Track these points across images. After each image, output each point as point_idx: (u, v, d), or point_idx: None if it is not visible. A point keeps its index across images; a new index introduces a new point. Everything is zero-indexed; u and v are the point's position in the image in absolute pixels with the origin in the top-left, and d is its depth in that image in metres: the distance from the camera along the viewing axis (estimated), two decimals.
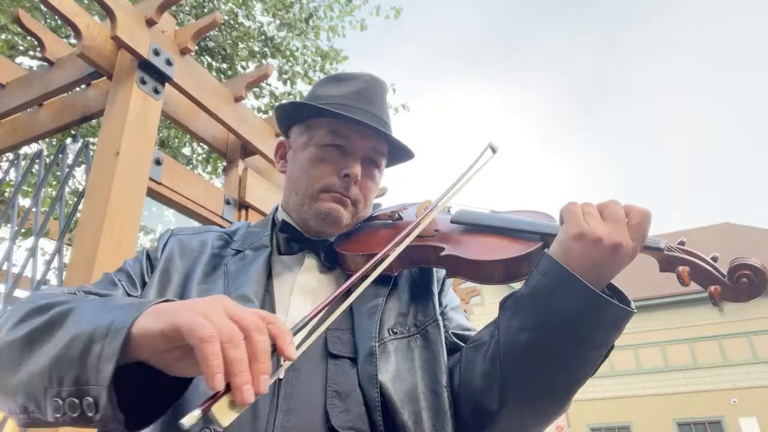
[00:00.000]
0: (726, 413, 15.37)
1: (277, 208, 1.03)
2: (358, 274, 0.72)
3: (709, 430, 15.54)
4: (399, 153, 1.03)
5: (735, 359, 15.95)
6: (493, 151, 0.93)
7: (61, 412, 0.55)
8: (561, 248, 0.73)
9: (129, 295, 0.83)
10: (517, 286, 0.77)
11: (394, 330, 0.83)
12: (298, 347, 0.56)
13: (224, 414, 0.46)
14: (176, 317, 0.50)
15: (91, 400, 0.53)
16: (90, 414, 0.53)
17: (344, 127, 0.92)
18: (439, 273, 0.98)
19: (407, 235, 0.82)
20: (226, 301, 0.54)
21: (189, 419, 0.44)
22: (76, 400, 0.54)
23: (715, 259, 0.74)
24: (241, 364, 0.47)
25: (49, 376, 0.56)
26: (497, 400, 0.77)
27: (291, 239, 0.93)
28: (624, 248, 0.70)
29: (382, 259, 0.77)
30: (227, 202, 2.34)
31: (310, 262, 0.92)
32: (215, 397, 0.46)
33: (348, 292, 0.71)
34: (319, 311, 0.63)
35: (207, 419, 0.46)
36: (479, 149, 0.93)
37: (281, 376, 0.74)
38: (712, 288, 0.72)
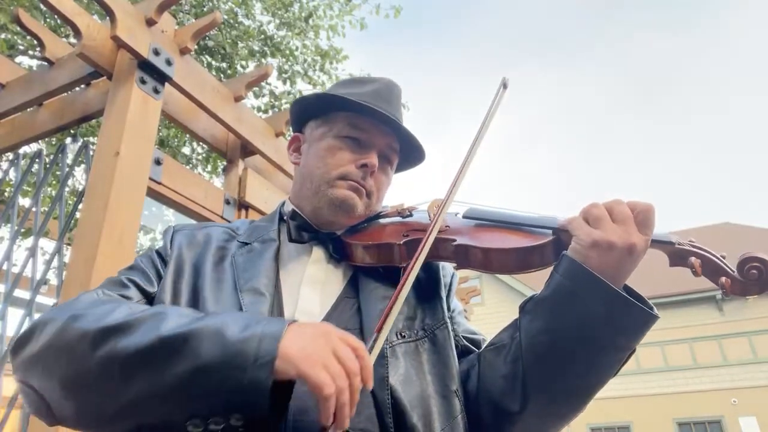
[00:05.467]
0: (726, 413, 15.38)
1: (283, 204, 1.04)
2: (410, 266, 0.75)
3: (709, 430, 15.55)
4: (409, 157, 1.04)
5: (735, 359, 15.95)
6: (505, 87, 0.93)
7: (200, 427, 0.61)
8: (577, 256, 0.73)
9: (144, 291, 0.84)
10: (528, 289, 0.77)
11: (402, 334, 0.83)
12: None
13: None
14: (305, 369, 0.60)
15: (239, 415, 0.60)
16: (237, 424, 0.60)
17: (363, 121, 0.95)
18: (445, 278, 0.97)
19: (446, 201, 0.84)
20: (333, 338, 0.63)
21: None
22: (221, 419, 0.60)
23: (723, 257, 0.75)
24: (345, 407, 0.60)
25: (179, 404, 0.61)
26: (519, 401, 0.77)
27: (300, 227, 0.94)
28: (638, 247, 0.71)
29: (423, 249, 0.78)
30: (227, 202, 2.34)
31: (318, 253, 0.92)
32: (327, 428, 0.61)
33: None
34: (381, 324, 0.69)
35: None
36: (493, 91, 0.94)
37: None
38: (723, 280, 0.72)
